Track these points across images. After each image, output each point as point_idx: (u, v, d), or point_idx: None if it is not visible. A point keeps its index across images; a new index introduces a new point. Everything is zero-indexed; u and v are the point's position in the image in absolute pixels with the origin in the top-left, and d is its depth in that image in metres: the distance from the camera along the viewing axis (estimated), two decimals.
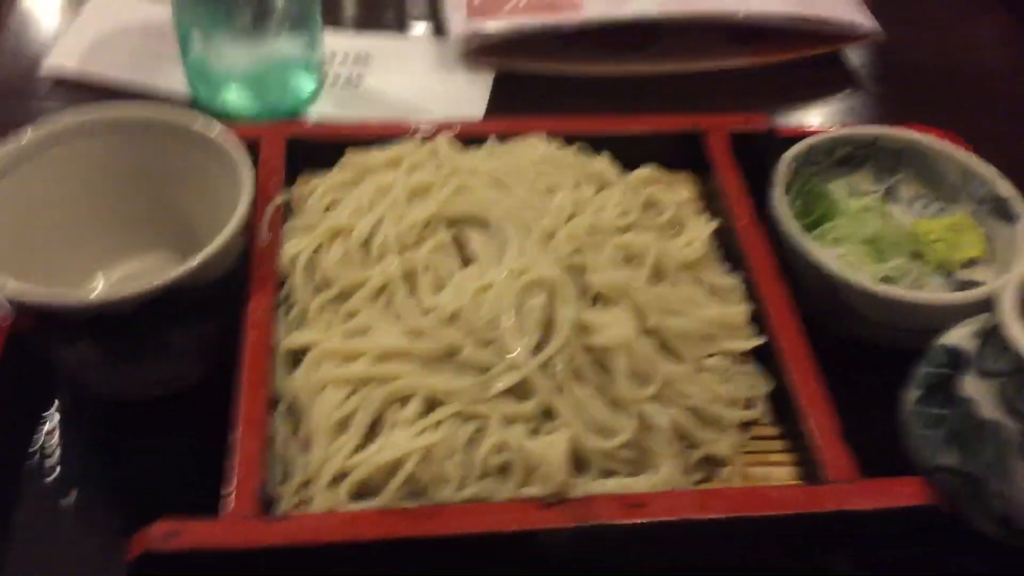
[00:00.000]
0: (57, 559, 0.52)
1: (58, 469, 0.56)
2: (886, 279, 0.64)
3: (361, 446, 0.49)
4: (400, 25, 0.90)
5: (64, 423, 0.58)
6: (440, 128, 0.65)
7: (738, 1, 0.86)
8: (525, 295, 0.51)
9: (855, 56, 0.91)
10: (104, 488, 0.55)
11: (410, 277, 0.54)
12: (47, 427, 0.58)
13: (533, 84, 0.84)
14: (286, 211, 0.60)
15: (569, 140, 0.65)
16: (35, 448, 0.57)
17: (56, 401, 0.59)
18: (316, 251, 0.56)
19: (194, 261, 0.51)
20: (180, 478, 0.55)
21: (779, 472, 0.53)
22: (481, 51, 0.84)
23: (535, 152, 0.61)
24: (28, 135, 0.57)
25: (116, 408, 0.59)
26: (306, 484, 0.49)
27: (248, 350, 0.52)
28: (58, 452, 0.57)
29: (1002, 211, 0.67)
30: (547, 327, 0.51)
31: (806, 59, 0.89)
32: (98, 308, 0.51)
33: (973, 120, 0.82)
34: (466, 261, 0.55)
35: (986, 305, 0.58)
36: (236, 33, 0.73)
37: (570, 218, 0.56)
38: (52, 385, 0.59)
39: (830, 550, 0.50)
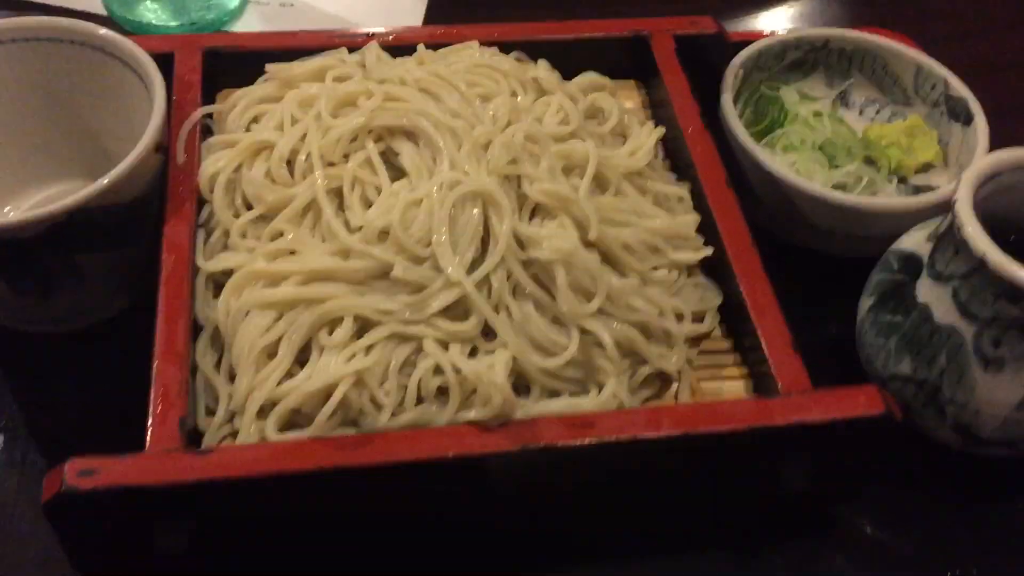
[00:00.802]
0: None
1: None
2: (839, 186, 0.62)
3: (289, 373, 0.46)
4: None
5: None
6: (368, 37, 0.61)
7: None
8: (459, 208, 0.48)
9: None
10: (18, 427, 0.53)
11: (337, 194, 0.51)
12: None
13: None
14: (204, 129, 0.56)
15: (505, 48, 0.61)
16: None
17: None
18: (236, 170, 0.53)
19: (101, 182, 0.48)
20: (101, 416, 0.52)
21: (731, 386, 0.51)
22: None
23: (468, 59, 0.57)
24: None
25: (29, 341, 0.55)
26: (232, 416, 0.46)
27: (166, 276, 0.49)
28: None
29: (957, 113, 0.65)
30: (483, 242, 0.48)
31: None
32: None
33: (925, 23, 0.80)
34: (396, 176, 0.51)
35: (941, 210, 0.56)
36: None
37: (506, 127, 0.52)
38: None
39: (784, 464, 0.48)
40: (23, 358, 0.56)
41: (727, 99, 0.63)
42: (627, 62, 0.65)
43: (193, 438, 0.46)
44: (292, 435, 0.44)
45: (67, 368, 0.55)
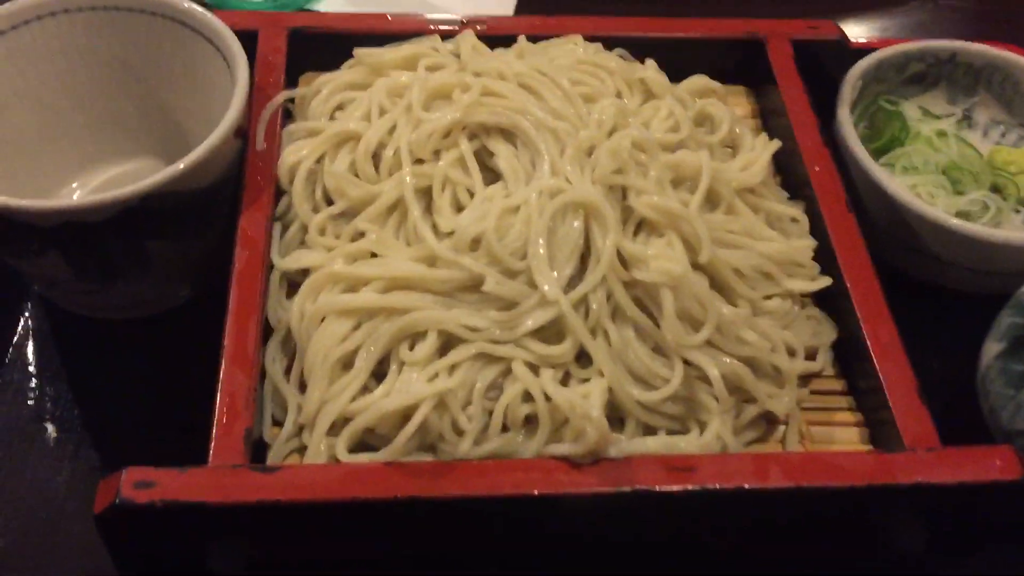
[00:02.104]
0: (31, 494, 0.47)
1: (29, 395, 0.51)
2: (963, 214, 0.57)
3: (365, 388, 0.42)
4: None
5: (39, 344, 0.53)
6: (463, 25, 0.57)
7: None
8: (559, 219, 0.44)
9: None
10: (80, 419, 0.50)
11: (425, 194, 0.47)
12: (19, 347, 0.52)
13: None
14: (285, 114, 0.53)
15: (610, 44, 0.57)
16: (5, 370, 0.51)
17: (28, 318, 0.54)
18: (319, 160, 0.50)
19: (178, 166, 0.45)
20: (165, 408, 0.49)
21: (844, 433, 0.47)
22: None
23: (572, 55, 0.54)
24: None
25: (93, 327, 0.53)
26: (300, 429, 0.43)
27: (238, 271, 0.46)
28: (31, 376, 0.52)
29: None
30: (583, 258, 0.44)
31: None
32: (64, 216, 0.44)
33: None
34: (491, 178, 0.47)
35: None
36: None
37: (611, 132, 0.48)
38: (24, 300, 0.54)
39: (901, 526, 0.43)
40: (82, 344, 0.53)
41: (844, 113, 0.58)
42: (738, 66, 0.61)
43: (257, 448, 0.43)
44: (364, 457, 0.41)
45: (126, 358, 0.53)
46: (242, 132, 0.49)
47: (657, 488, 0.40)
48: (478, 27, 0.57)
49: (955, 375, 0.53)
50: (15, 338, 0.52)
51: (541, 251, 0.43)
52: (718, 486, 0.40)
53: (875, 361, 0.46)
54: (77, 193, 0.55)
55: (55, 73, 0.53)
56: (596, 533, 0.43)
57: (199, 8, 0.51)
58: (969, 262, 0.55)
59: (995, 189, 0.60)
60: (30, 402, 0.50)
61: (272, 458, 0.43)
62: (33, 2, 0.51)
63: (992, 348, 0.51)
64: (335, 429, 0.42)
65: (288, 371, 0.45)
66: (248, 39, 0.53)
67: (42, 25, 0.51)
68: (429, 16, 0.59)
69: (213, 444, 0.40)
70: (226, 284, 0.46)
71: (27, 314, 0.54)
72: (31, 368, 0.52)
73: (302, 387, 0.44)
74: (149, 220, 0.46)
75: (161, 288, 0.52)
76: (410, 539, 0.42)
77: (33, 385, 0.51)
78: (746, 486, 0.40)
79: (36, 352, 0.52)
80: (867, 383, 0.47)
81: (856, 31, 0.75)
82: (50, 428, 0.50)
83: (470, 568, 0.43)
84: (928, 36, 0.66)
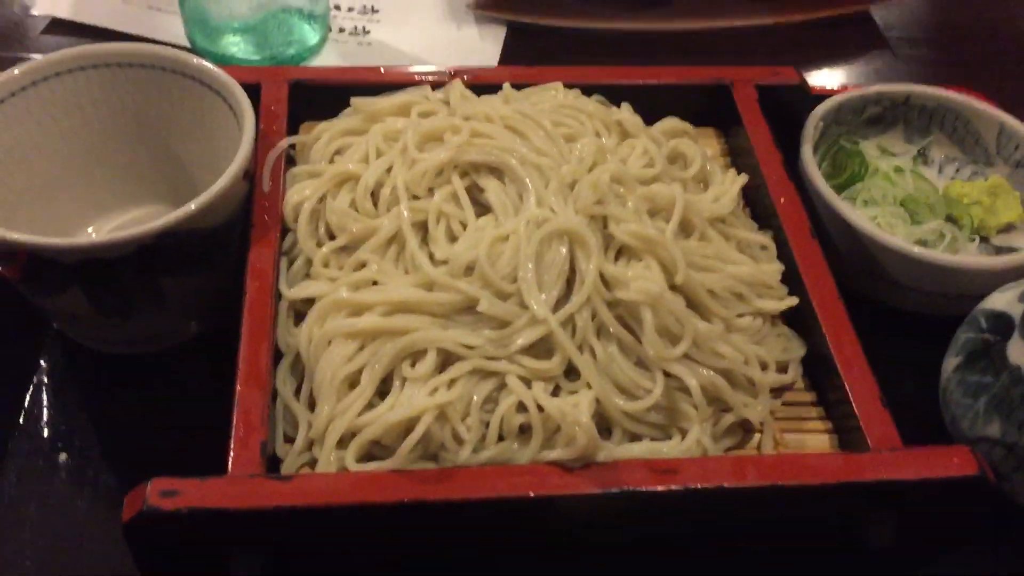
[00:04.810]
0: (52, 522, 0.49)
1: (51, 427, 0.53)
2: (920, 243, 0.61)
3: (371, 404, 0.45)
4: None
5: (55, 377, 0.55)
6: (452, 76, 0.61)
7: None
8: (546, 246, 0.48)
9: (883, 16, 0.87)
10: (99, 447, 0.52)
11: (422, 227, 0.50)
12: (39, 381, 0.55)
13: (547, 38, 0.81)
14: (289, 160, 0.57)
15: (587, 91, 0.61)
16: (26, 404, 0.54)
17: (47, 354, 0.56)
18: (321, 200, 0.53)
19: (191, 205, 0.48)
20: (178, 437, 0.51)
21: (815, 439, 0.50)
22: (493, 4, 0.80)
23: (553, 100, 0.58)
24: (12, 71, 0.53)
25: (110, 362, 0.56)
26: (311, 444, 0.46)
27: (249, 301, 0.49)
28: (51, 409, 0.54)
29: None
30: (568, 281, 0.48)
31: (831, 19, 0.85)
32: (87, 252, 0.47)
33: (1005, 83, 0.79)
34: (482, 211, 0.51)
35: None
36: None
37: (591, 167, 0.52)
38: (43, 337, 0.56)
39: (869, 523, 0.46)
40: (98, 378, 0.56)
41: (807, 150, 0.62)
42: (707, 110, 0.64)
43: (271, 464, 0.45)
44: (371, 466, 0.44)
45: (141, 388, 0.55)
46: (249, 175, 0.53)
47: (643, 488, 0.43)
48: (465, 77, 0.61)
49: (918, 390, 0.56)
50: (36, 372, 0.55)
51: (530, 275, 0.47)
52: (699, 485, 0.43)
53: (841, 373, 0.49)
54: (93, 235, 0.58)
55: (73, 125, 0.56)
56: (588, 532, 0.45)
57: (208, 64, 0.55)
58: (928, 286, 0.59)
59: (951, 219, 0.64)
60: (51, 432, 0.53)
61: (285, 471, 0.45)
62: (54, 59, 0.54)
63: (951, 362, 0.54)
64: (343, 443, 0.45)
65: (298, 392, 0.48)
66: (252, 91, 0.57)
67: (61, 81, 0.55)
68: (419, 68, 0.62)
69: (232, 456, 0.43)
70: (238, 314, 0.49)
71: (47, 349, 0.56)
72: (52, 400, 0.54)
73: (311, 406, 0.47)
74: (164, 257, 0.49)
75: (173, 323, 0.55)
76: (416, 541, 0.44)
77: (54, 416, 0.53)
78: (725, 485, 0.43)
79: (56, 385, 0.55)
80: (835, 394, 0.50)
81: (818, 78, 0.80)
82: (70, 455, 0.52)
83: (472, 567, 0.46)
84: (886, 82, 0.71)
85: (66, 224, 0.57)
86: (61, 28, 0.77)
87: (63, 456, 0.52)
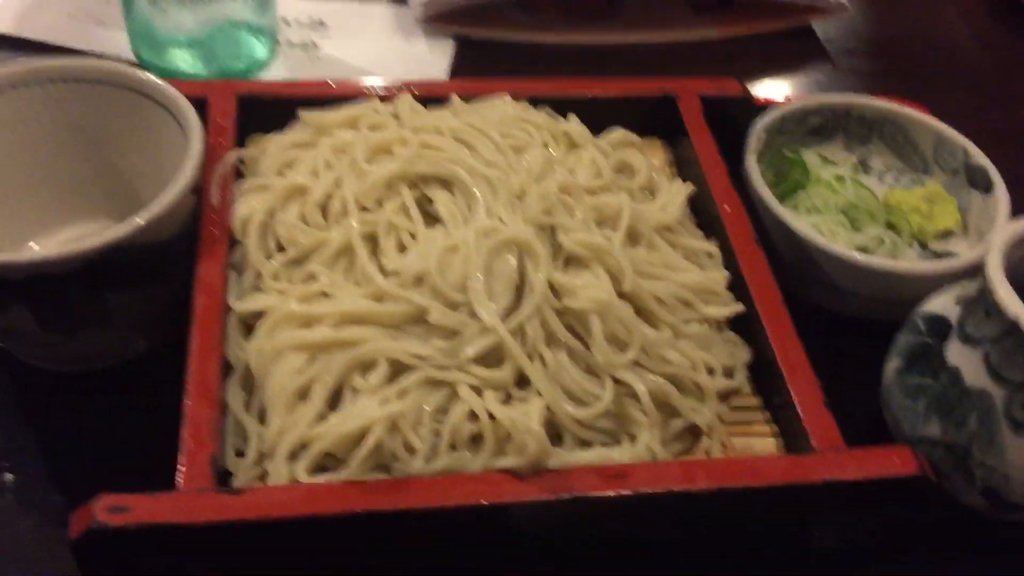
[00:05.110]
0: None
1: None
2: (861, 249, 0.63)
3: (322, 416, 0.45)
4: None
5: (1, 397, 0.54)
6: (401, 88, 0.61)
7: None
8: (495, 256, 0.48)
9: (824, 30, 0.89)
10: (46, 466, 0.52)
11: (372, 238, 0.51)
12: None
13: (496, 51, 0.81)
14: (237, 173, 0.57)
15: (535, 103, 0.62)
16: None
17: None
18: (270, 213, 0.53)
19: (138, 219, 0.48)
20: (127, 455, 0.50)
21: (761, 443, 0.51)
22: (441, 17, 0.81)
23: (501, 112, 0.58)
24: None
25: (56, 380, 0.55)
26: (262, 457, 0.45)
27: (198, 315, 0.48)
28: None
29: (977, 181, 0.66)
30: (519, 290, 0.48)
31: (774, 32, 0.87)
32: (31, 269, 0.46)
33: (942, 93, 0.81)
34: (432, 223, 0.52)
35: (963, 276, 0.57)
36: None
37: (540, 178, 0.53)
38: None
39: (815, 523, 0.47)
40: (43, 396, 0.55)
41: (751, 160, 0.64)
42: (653, 121, 0.65)
43: (221, 480, 0.45)
44: (324, 478, 0.44)
45: (88, 407, 0.54)
46: (197, 189, 0.52)
47: (594, 494, 0.44)
48: (414, 90, 0.61)
49: (860, 392, 0.57)
50: None
51: (479, 285, 0.47)
52: (649, 490, 0.44)
53: (786, 378, 0.50)
54: (36, 251, 0.58)
55: (16, 141, 0.55)
56: (540, 538, 0.46)
57: (155, 78, 0.54)
58: (869, 291, 0.60)
59: (890, 227, 0.66)
60: None
61: (237, 485, 0.45)
62: (2, 73, 0.53)
63: (892, 365, 0.55)
64: (295, 455, 0.44)
65: (248, 406, 0.48)
66: (199, 105, 0.57)
67: (5, 97, 0.54)
68: (368, 81, 0.63)
69: (182, 470, 0.43)
70: (187, 328, 0.48)
71: None
72: None
73: (262, 419, 0.47)
74: (112, 272, 0.48)
75: (121, 339, 0.54)
76: (370, 551, 0.44)
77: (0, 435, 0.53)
78: (674, 489, 0.44)
79: (1, 403, 0.54)
80: (780, 398, 0.51)
81: (762, 89, 0.82)
82: (15, 474, 0.51)
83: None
84: (825, 92, 0.73)
85: (9, 239, 0.57)
86: (3, 43, 0.75)
87: (7, 476, 0.51)
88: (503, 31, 0.82)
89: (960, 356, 0.51)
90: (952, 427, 0.51)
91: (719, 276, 0.55)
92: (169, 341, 0.51)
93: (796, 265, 0.61)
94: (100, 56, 0.74)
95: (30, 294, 0.48)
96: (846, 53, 0.88)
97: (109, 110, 0.56)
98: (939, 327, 0.53)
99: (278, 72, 0.76)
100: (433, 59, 0.79)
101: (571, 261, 0.50)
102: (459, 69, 0.79)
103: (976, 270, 0.50)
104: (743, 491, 0.45)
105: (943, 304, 0.54)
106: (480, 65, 0.79)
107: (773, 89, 0.83)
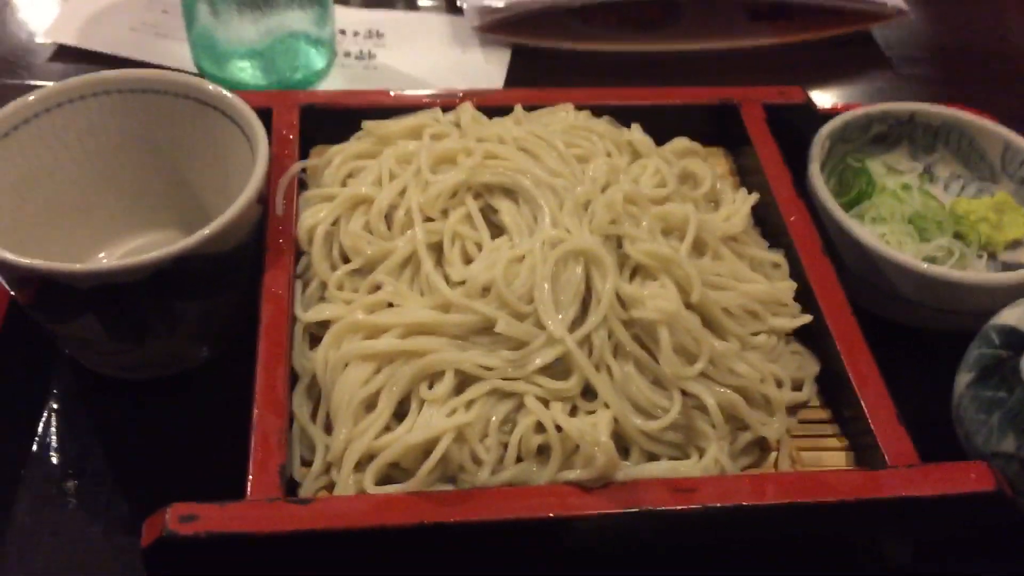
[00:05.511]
0: (65, 550, 0.49)
1: (63, 454, 0.53)
2: (929, 259, 0.61)
3: (388, 427, 0.45)
4: (412, 1, 0.87)
5: (69, 404, 0.55)
6: (462, 98, 0.61)
7: None
8: (562, 266, 0.48)
9: (883, 36, 0.88)
10: (114, 474, 0.52)
11: (437, 248, 0.51)
12: (50, 409, 0.54)
13: (552, 60, 0.81)
14: (301, 185, 0.57)
15: (597, 112, 0.61)
16: (38, 432, 0.53)
17: (58, 381, 0.56)
18: (335, 223, 0.53)
19: (206, 230, 0.48)
20: (195, 463, 0.51)
21: (831, 457, 0.50)
22: (498, 26, 0.81)
23: (564, 121, 0.58)
24: (27, 97, 0.53)
25: (123, 388, 0.55)
26: (328, 467, 0.46)
27: (265, 325, 0.49)
28: (63, 436, 0.53)
29: None
30: (585, 300, 0.48)
31: (832, 39, 0.86)
32: (102, 278, 0.47)
33: (1005, 100, 0.80)
34: (496, 232, 0.51)
35: None
36: (243, 3, 0.70)
37: (605, 187, 0.52)
38: (54, 364, 0.56)
39: (887, 540, 0.46)
40: (111, 404, 0.55)
41: (815, 169, 0.63)
42: (715, 130, 0.65)
43: (288, 489, 0.45)
44: (390, 489, 0.44)
45: (155, 416, 0.55)
46: (263, 199, 0.53)
47: (662, 508, 0.43)
48: (475, 99, 0.61)
49: (930, 406, 0.56)
50: (48, 399, 0.55)
51: (546, 295, 0.47)
52: (718, 504, 0.43)
53: (856, 390, 0.49)
54: (105, 261, 0.58)
55: (85, 152, 0.56)
56: (608, 551, 0.45)
57: (222, 90, 0.55)
58: (937, 302, 0.59)
59: (958, 236, 0.65)
60: (64, 459, 0.52)
61: (304, 494, 0.45)
62: (66, 87, 0.54)
63: (963, 378, 0.54)
64: (361, 466, 0.45)
65: (314, 415, 0.48)
66: (263, 115, 0.57)
67: (74, 108, 0.55)
68: (429, 91, 0.63)
69: (251, 479, 0.43)
70: (254, 337, 0.49)
71: (58, 376, 0.56)
72: (64, 427, 0.54)
73: (327, 429, 0.47)
74: (179, 282, 0.49)
75: (186, 347, 0.55)
76: (435, 563, 0.44)
77: (67, 444, 0.53)
78: (744, 503, 0.43)
79: (68, 412, 0.54)
80: (850, 411, 0.50)
81: (823, 97, 0.81)
82: (84, 483, 0.51)
83: None
84: (888, 101, 0.71)
85: (78, 250, 0.57)
86: (68, 55, 0.77)
87: (76, 483, 0.52)
88: (559, 40, 0.82)
89: None
90: None
91: (786, 287, 0.54)
92: (234, 349, 0.51)
93: (863, 276, 0.60)
94: (162, 67, 0.75)
95: (99, 303, 0.49)
96: (907, 60, 0.86)
97: (176, 121, 0.57)
98: (1014, 339, 0.52)
99: (336, 82, 0.77)
100: (489, 68, 0.79)
101: (638, 271, 0.50)
102: (515, 78, 0.79)
103: None
104: (814, 506, 0.44)
105: (1017, 316, 0.53)
106: (535, 74, 0.79)
107: (833, 97, 0.82)
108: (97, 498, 0.51)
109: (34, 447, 0.53)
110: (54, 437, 0.53)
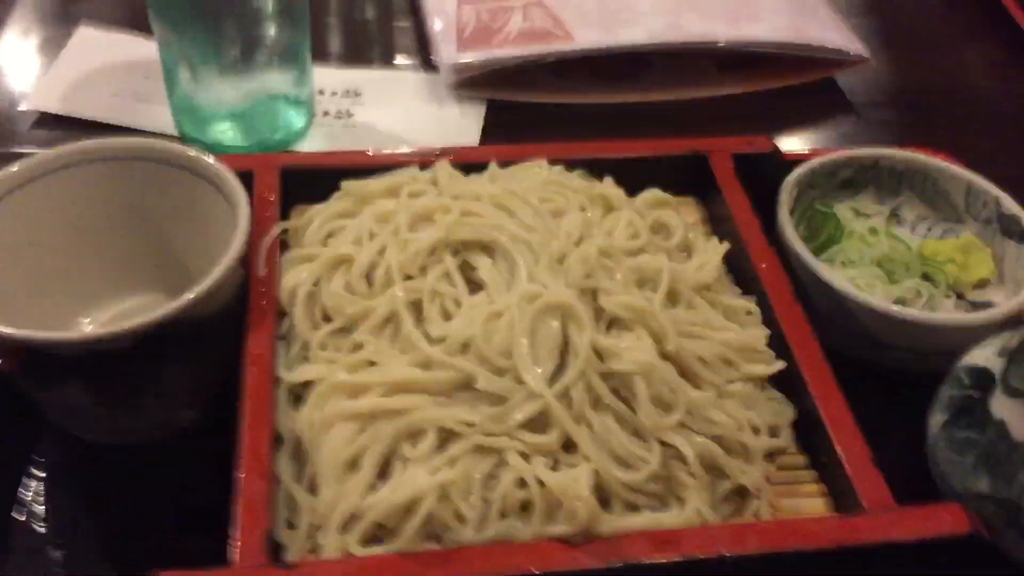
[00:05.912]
0: None
1: (48, 521, 0.53)
2: (899, 301, 0.63)
3: (372, 486, 0.46)
4: (388, 60, 0.89)
5: (52, 471, 0.55)
6: (439, 155, 0.62)
7: (727, 29, 0.86)
8: (539, 320, 0.49)
9: (847, 82, 0.90)
10: (98, 540, 0.52)
11: (417, 306, 0.51)
12: (35, 476, 0.55)
13: (527, 114, 0.83)
14: (282, 244, 0.58)
15: (570, 166, 0.63)
16: (23, 500, 0.53)
17: (42, 448, 0.56)
18: (316, 283, 0.54)
19: (190, 294, 0.49)
20: (179, 526, 0.51)
21: (809, 504, 0.50)
22: (473, 82, 0.82)
23: (538, 176, 0.59)
24: (10, 168, 0.54)
25: (108, 453, 0.55)
26: (314, 529, 0.46)
27: (249, 387, 0.49)
28: (48, 504, 0.53)
29: (1010, 230, 0.66)
30: (563, 354, 0.49)
31: (799, 86, 0.88)
32: (88, 346, 0.48)
33: (967, 141, 0.82)
34: (475, 288, 0.52)
35: (1002, 326, 0.57)
36: (224, 67, 0.71)
37: (579, 241, 0.54)
38: (40, 431, 0.56)
39: None
40: (95, 471, 0.55)
41: (784, 215, 0.64)
42: (686, 179, 0.66)
43: (273, 553, 0.45)
44: (377, 550, 0.44)
45: (139, 482, 0.54)
46: (244, 262, 0.54)
47: (646, 560, 0.44)
48: (451, 156, 0.62)
49: (904, 446, 0.57)
50: (31, 466, 0.55)
51: (525, 350, 0.48)
52: (700, 555, 0.44)
53: (831, 435, 0.50)
54: (90, 327, 0.59)
55: (70, 219, 0.57)
56: None
57: (204, 155, 0.56)
58: (908, 344, 0.60)
59: (926, 277, 0.66)
60: (49, 527, 0.52)
61: (289, 558, 0.45)
62: (52, 156, 0.55)
63: (936, 419, 0.55)
64: (347, 526, 0.45)
65: (299, 476, 0.48)
66: (245, 178, 0.58)
67: (58, 176, 0.55)
68: (406, 149, 0.64)
69: (239, 546, 0.43)
70: (237, 400, 0.49)
71: (42, 442, 0.56)
72: (48, 494, 0.54)
73: (312, 490, 0.47)
74: (163, 346, 0.49)
75: (171, 412, 0.55)
76: None
77: (51, 511, 0.53)
78: (725, 553, 0.44)
79: (52, 479, 0.54)
80: (827, 457, 0.51)
81: (789, 144, 0.82)
82: (69, 551, 0.51)
83: None
84: (854, 145, 0.73)
85: (61, 316, 0.58)
86: (51, 122, 0.78)
87: (61, 552, 0.51)
88: (532, 94, 0.84)
89: (1006, 409, 0.51)
90: (1002, 482, 0.51)
91: (759, 333, 0.55)
92: (217, 412, 0.52)
93: (834, 319, 0.61)
94: (145, 132, 0.76)
95: (83, 370, 0.49)
96: (870, 104, 0.89)
97: (159, 186, 0.57)
98: (983, 380, 0.53)
99: (315, 141, 0.78)
100: (465, 122, 0.81)
101: (613, 324, 0.51)
102: (490, 131, 0.80)
103: (1017, 321, 0.50)
104: (794, 555, 0.44)
105: (986, 356, 0.54)
106: (511, 127, 0.81)
107: (800, 142, 0.84)
108: (83, 566, 0.51)
109: (18, 515, 0.53)
110: (38, 506, 0.53)
